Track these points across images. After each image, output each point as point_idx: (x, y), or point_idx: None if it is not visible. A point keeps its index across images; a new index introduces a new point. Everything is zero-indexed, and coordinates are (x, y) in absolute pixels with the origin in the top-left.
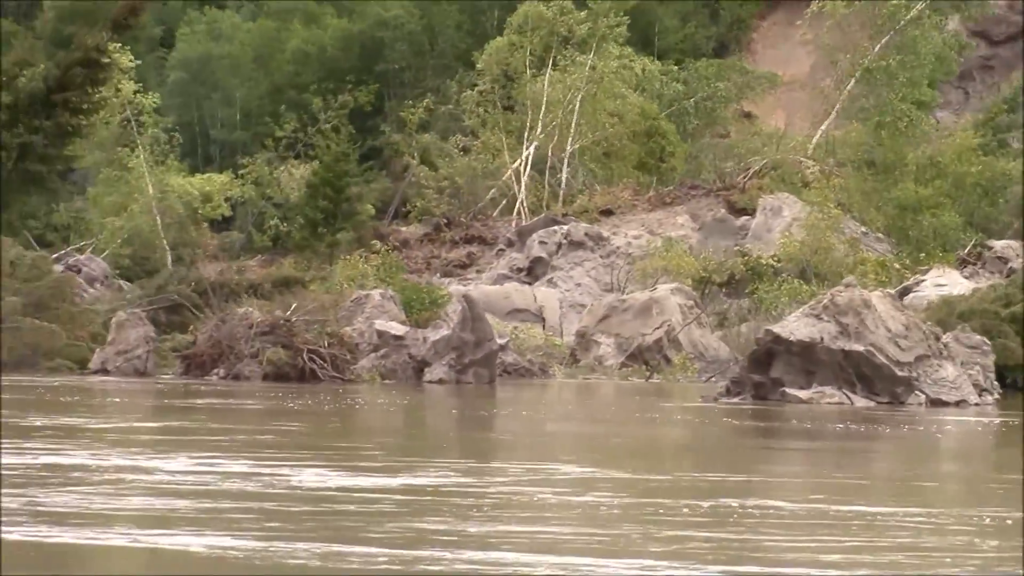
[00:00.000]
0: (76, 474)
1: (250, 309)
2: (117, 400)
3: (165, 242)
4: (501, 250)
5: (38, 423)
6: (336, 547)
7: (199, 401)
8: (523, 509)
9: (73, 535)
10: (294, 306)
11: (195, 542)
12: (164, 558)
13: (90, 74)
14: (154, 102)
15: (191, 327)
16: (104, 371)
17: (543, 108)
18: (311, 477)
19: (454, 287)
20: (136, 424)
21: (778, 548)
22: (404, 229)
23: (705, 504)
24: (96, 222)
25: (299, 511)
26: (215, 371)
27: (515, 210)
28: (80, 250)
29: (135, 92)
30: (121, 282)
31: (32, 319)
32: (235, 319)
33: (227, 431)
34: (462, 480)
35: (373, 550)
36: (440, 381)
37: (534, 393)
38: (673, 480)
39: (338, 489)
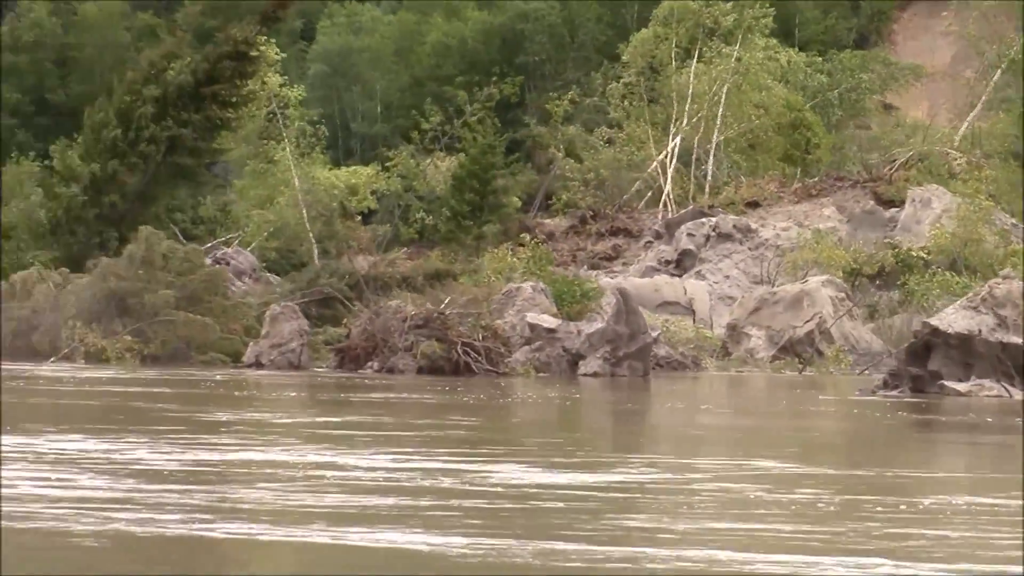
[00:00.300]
0: (269, 470)
1: (401, 303)
2: (292, 394)
3: (311, 235)
4: (648, 242)
5: (224, 418)
6: (549, 544)
7: (373, 395)
8: (734, 506)
9: (272, 532)
10: (448, 299)
11: (401, 539)
12: (375, 556)
13: (239, 67)
14: (299, 95)
15: (344, 320)
16: (258, 364)
17: (688, 100)
18: (510, 473)
19: (603, 280)
20: (319, 419)
21: (1006, 546)
22: (548, 221)
23: (926, 501)
24: (242, 215)
25: (501, 508)
26: (369, 364)
27: (661, 202)
28: (227, 243)
29: (281, 85)
30: (268, 275)
31: (185, 312)
32: (389, 312)
33: (410, 426)
34: (662, 476)
35: (588, 547)
36: (595, 374)
37: (691, 386)
38: (875, 475)
39: (538, 486)
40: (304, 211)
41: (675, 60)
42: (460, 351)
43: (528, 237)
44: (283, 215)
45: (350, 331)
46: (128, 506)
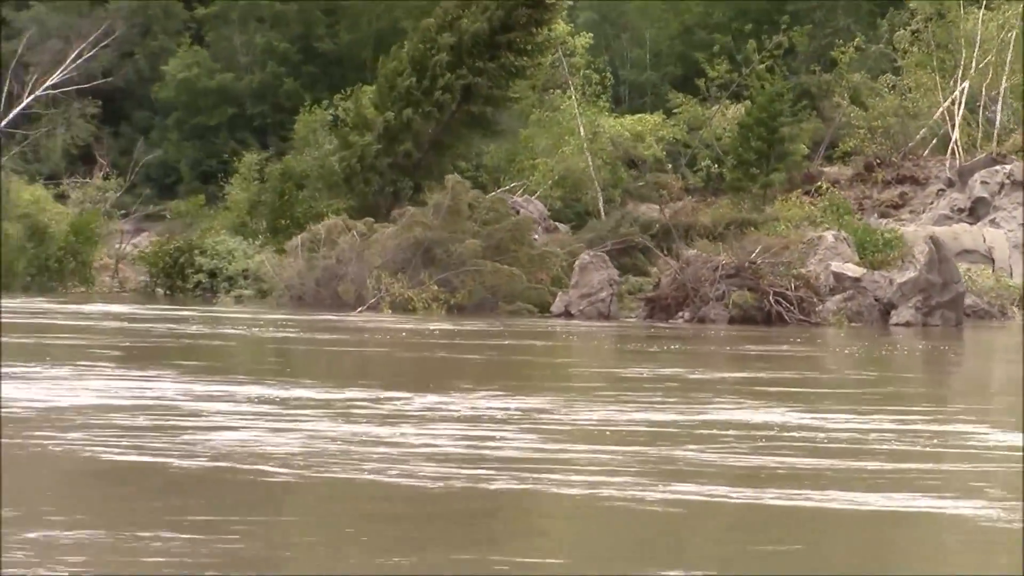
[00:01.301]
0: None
1: (700, 253)
2: (675, 347)
3: (597, 183)
4: (941, 190)
5: (643, 374)
6: None
7: (749, 349)
8: None
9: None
10: (759, 248)
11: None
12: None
13: (534, 15)
14: (587, 42)
15: (654, 270)
16: (567, 314)
17: (976, 46)
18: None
19: (907, 229)
20: (740, 375)
21: None
22: (831, 169)
23: None
24: (527, 163)
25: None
26: (680, 314)
27: (948, 150)
28: (511, 192)
29: (568, 33)
30: (557, 224)
31: (491, 262)
32: (699, 262)
33: (808, 381)
34: None
35: None
36: (907, 324)
37: (1009, 336)
38: None
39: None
40: (590, 159)
41: (963, 6)
42: (772, 301)
43: (825, 186)
44: (568, 163)
45: (659, 281)
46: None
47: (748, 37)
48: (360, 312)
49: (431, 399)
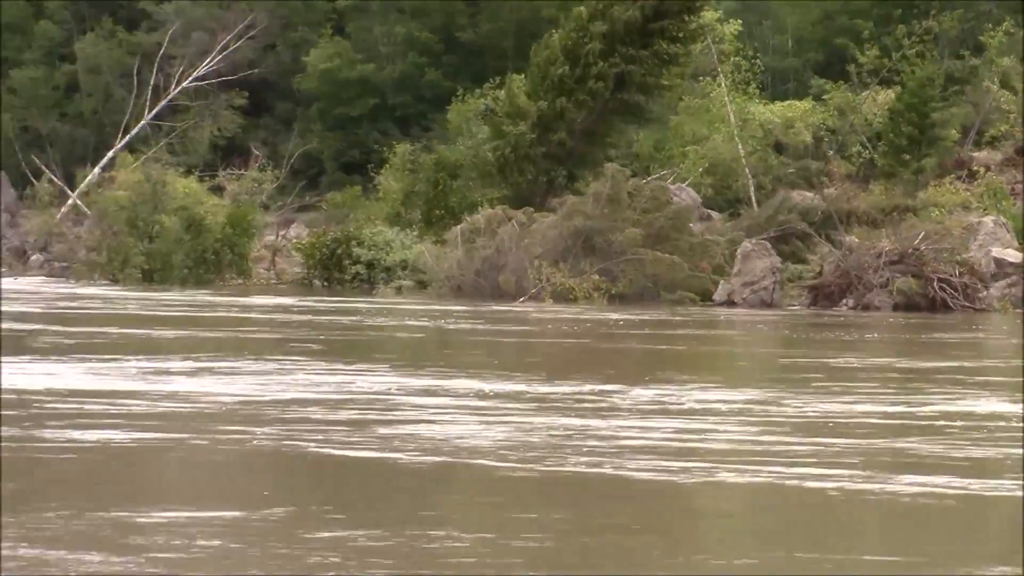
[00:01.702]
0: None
1: (861, 240)
2: (870, 336)
3: (747, 171)
4: None
5: (854, 364)
6: None
7: (934, 336)
8: None
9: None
10: (922, 234)
11: None
12: None
13: (687, 2)
14: (736, 29)
15: (813, 257)
16: (730, 303)
17: None
18: None
19: None
20: (929, 364)
21: None
22: (977, 155)
23: None
24: (677, 151)
25: None
26: (843, 302)
27: None
28: (662, 179)
29: (717, 20)
30: (710, 212)
31: (652, 251)
32: (862, 249)
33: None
34: None
35: None
36: None
37: None
38: None
39: None
40: (740, 146)
41: None
42: (936, 287)
43: (981, 171)
44: (719, 151)
45: (822, 268)
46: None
47: (892, 22)
48: (522, 302)
49: (646, 391)
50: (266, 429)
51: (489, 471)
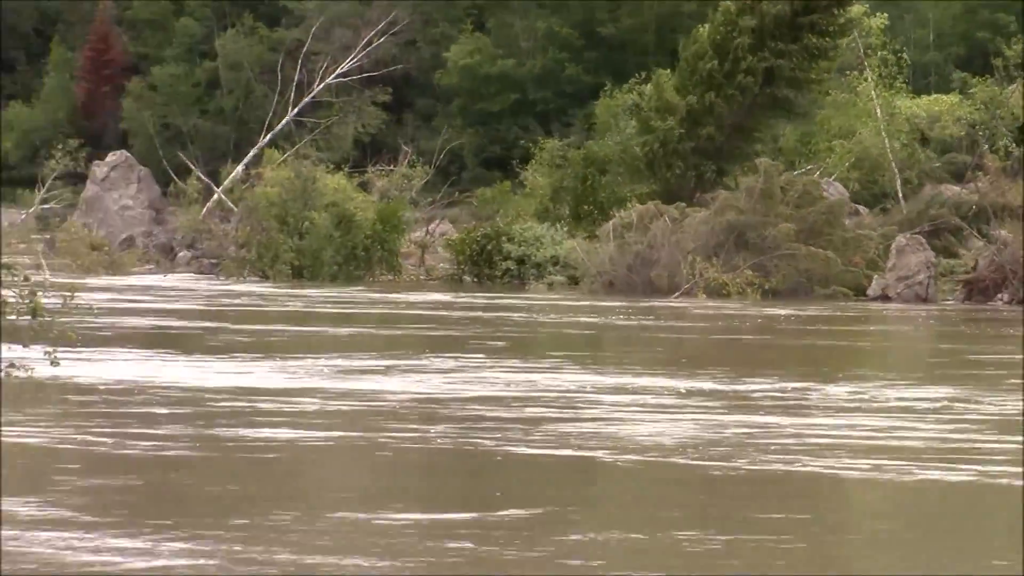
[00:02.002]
0: None
1: (1011, 234)
2: None
3: (894, 165)
4: None
5: None
6: None
7: None
8: None
9: None
10: None
11: None
12: None
13: None
14: (883, 23)
15: (965, 251)
16: (885, 298)
17: None
18: None
19: None
20: None
21: None
22: None
23: None
24: (824, 146)
25: None
26: (998, 296)
27: None
28: (807, 174)
29: (864, 14)
30: (858, 206)
31: (806, 246)
32: (1016, 243)
33: None
34: None
35: None
36: None
37: None
38: None
39: None
40: (887, 141)
41: None
42: None
43: None
44: (865, 145)
45: (976, 263)
46: None
47: None
48: (676, 297)
49: (839, 389)
50: (456, 427)
51: (692, 469)
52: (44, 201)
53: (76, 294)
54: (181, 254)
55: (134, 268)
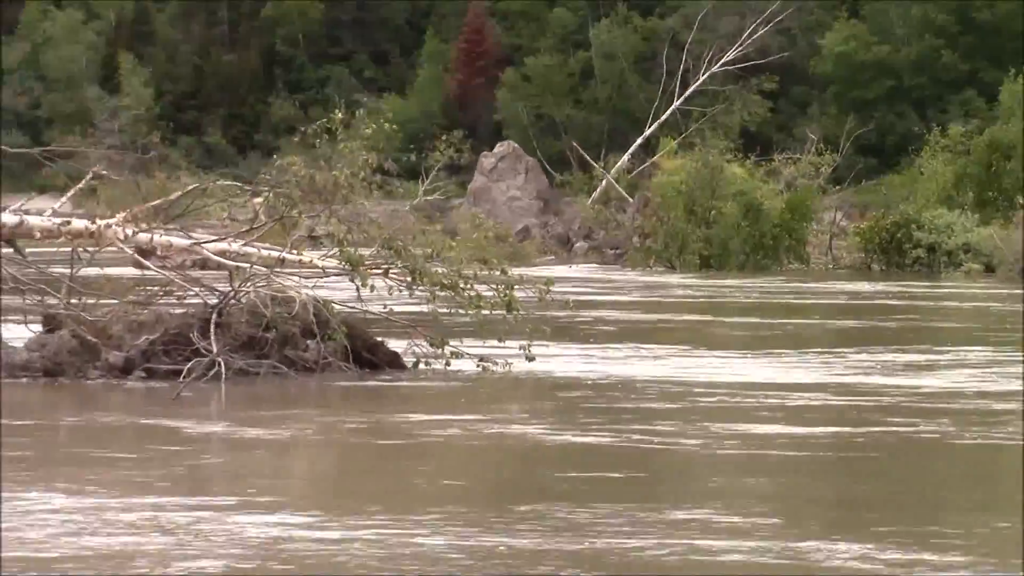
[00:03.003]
0: None
1: None
2: None
3: None
4: None
5: None
6: None
7: None
8: None
9: None
10: None
11: None
12: None
13: None
14: None
15: None
16: None
17: None
18: None
19: None
20: None
21: None
22: None
23: None
24: None
25: None
26: None
27: None
28: None
29: None
30: None
31: None
32: None
33: None
34: None
35: None
36: None
37: None
38: None
39: None
40: None
41: None
42: None
43: None
44: None
45: None
46: None
47: None
48: None
49: None
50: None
51: None
52: (427, 193)
53: (550, 288)
54: (578, 244)
55: (535, 260)
